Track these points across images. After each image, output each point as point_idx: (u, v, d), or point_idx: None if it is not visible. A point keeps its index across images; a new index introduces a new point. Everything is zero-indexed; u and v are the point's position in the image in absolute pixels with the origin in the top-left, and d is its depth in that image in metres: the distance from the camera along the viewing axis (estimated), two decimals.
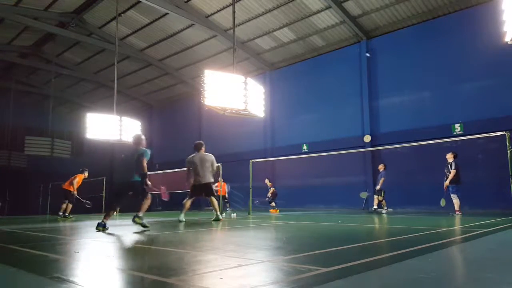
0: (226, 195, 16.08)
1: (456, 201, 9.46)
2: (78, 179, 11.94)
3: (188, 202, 8.22)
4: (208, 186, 8.17)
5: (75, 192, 11.87)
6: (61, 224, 8.80)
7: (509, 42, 6.37)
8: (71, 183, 11.82)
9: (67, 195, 11.76)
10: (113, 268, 2.90)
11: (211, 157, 8.31)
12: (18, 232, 6.67)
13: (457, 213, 9.46)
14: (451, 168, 9.58)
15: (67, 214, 11.71)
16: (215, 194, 8.56)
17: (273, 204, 14.87)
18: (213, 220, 8.15)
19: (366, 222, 7.56)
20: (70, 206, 11.85)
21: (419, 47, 13.66)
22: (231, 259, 3.07)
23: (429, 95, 13.38)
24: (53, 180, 21.14)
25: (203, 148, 8.43)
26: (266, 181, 15.32)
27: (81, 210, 13.12)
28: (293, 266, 2.70)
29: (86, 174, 12.26)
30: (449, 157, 9.82)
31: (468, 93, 12.44)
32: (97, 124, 11.75)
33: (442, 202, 9.69)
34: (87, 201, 12.50)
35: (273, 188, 15.25)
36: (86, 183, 12.92)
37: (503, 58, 11.43)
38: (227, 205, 15.90)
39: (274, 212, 14.08)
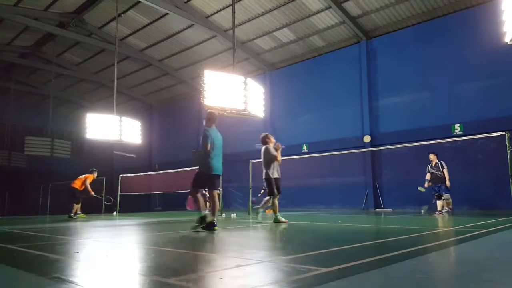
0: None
1: (440, 202, 9.77)
2: (89, 180, 12.05)
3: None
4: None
5: (92, 193, 12.12)
6: (61, 224, 8.80)
7: (509, 42, 6.37)
8: (83, 184, 11.92)
9: (75, 193, 11.79)
10: (113, 268, 2.90)
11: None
12: (18, 232, 6.67)
13: (439, 213, 9.69)
14: (442, 168, 9.77)
15: (78, 212, 11.84)
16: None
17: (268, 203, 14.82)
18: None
19: (366, 222, 7.56)
20: (77, 205, 11.92)
21: (419, 47, 13.66)
22: (231, 259, 3.07)
23: (429, 95, 13.38)
24: (53, 181, 21.16)
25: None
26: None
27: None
28: (293, 266, 2.70)
29: (95, 174, 12.39)
30: (434, 158, 10.03)
31: (468, 93, 12.44)
32: (97, 124, 11.76)
33: (421, 188, 10.31)
34: (109, 197, 12.68)
35: None
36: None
37: (503, 58, 11.44)
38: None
39: (270, 213, 14.00)
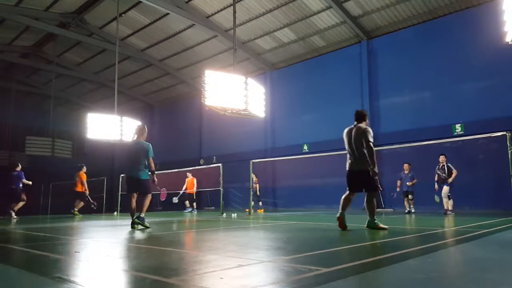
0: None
1: (451, 201, 10.06)
2: (82, 177, 12.42)
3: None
4: None
5: (87, 192, 12.69)
6: (62, 224, 8.81)
7: (509, 42, 6.36)
8: (82, 183, 12.54)
9: (79, 196, 12.53)
10: (113, 268, 2.91)
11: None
12: (19, 232, 6.69)
13: (451, 212, 9.97)
14: (449, 170, 10.17)
15: (76, 209, 12.45)
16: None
17: (260, 203, 14.82)
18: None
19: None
20: (81, 203, 12.60)
21: (419, 47, 13.64)
22: (231, 259, 3.08)
23: (430, 95, 13.37)
24: (54, 180, 21.18)
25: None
26: (253, 176, 15.20)
27: (85, 210, 13.35)
28: (293, 266, 2.70)
29: (84, 169, 12.83)
30: (442, 159, 10.46)
31: (469, 93, 12.43)
32: (98, 124, 11.78)
33: (437, 199, 10.48)
34: (93, 202, 13.09)
35: (258, 185, 15.07)
36: (87, 183, 13.03)
37: (503, 58, 11.42)
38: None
39: (261, 212, 13.95)
